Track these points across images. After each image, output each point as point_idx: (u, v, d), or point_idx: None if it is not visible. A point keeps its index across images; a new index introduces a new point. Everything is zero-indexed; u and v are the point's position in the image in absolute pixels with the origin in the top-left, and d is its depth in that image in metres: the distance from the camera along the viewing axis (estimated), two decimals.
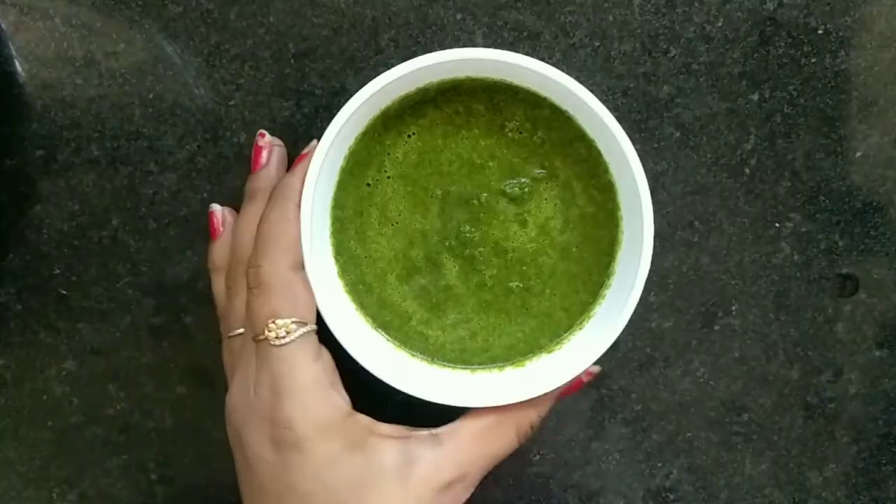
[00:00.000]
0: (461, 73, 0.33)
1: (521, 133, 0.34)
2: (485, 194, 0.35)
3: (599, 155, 0.33)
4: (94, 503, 0.41)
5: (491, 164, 0.35)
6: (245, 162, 0.38)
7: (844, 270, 0.40)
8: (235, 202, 0.37)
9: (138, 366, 0.40)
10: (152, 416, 0.40)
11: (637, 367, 0.41)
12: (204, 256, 0.39)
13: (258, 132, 0.36)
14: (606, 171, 0.33)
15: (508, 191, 0.35)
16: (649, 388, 0.41)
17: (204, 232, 0.38)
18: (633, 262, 0.32)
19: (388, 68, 0.38)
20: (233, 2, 0.37)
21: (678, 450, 0.41)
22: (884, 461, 0.42)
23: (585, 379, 0.35)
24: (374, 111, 0.33)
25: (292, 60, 0.38)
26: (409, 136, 0.34)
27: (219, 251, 0.36)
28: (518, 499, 0.42)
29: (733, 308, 0.40)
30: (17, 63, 0.38)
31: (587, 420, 0.41)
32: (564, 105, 0.33)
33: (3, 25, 0.37)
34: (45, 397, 0.40)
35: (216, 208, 0.36)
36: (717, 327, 0.40)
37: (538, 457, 0.41)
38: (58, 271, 0.39)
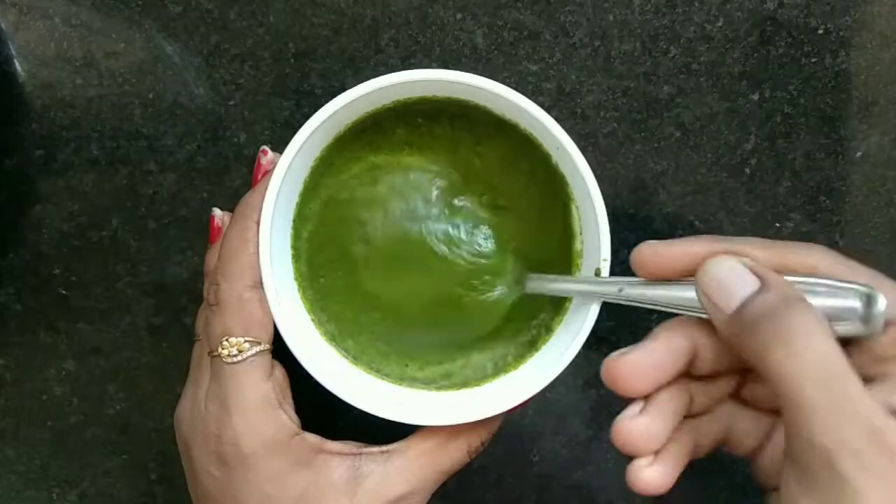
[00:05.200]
0: (429, 93, 0.32)
1: (486, 155, 0.34)
2: (452, 213, 0.35)
3: (562, 178, 0.33)
4: (93, 503, 0.41)
5: (457, 185, 0.34)
6: (245, 162, 0.38)
7: None
8: (235, 202, 0.37)
9: (138, 366, 0.40)
10: (152, 416, 0.40)
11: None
12: (203, 257, 0.39)
13: (261, 148, 0.35)
14: (569, 195, 0.33)
15: (475, 212, 0.35)
16: None
17: (204, 232, 0.38)
18: None
19: (389, 68, 0.38)
20: (233, 1, 0.37)
21: None
22: None
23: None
24: (340, 127, 0.33)
25: (292, 60, 0.38)
26: (376, 153, 0.34)
27: (212, 257, 0.36)
28: (518, 499, 0.42)
29: None
30: (16, 63, 0.38)
31: (587, 420, 0.41)
32: (530, 131, 0.33)
33: (3, 25, 0.37)
34: (44, 397, 0.40)
35: (217, 213, 0.36)
36: None
37: (538, 457, 0.41)
38: (57, 271, 0.39)
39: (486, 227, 0.35)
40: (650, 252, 0.29)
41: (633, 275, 0.30)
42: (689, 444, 0.29)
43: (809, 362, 0.24)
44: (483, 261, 0.35)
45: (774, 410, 0.30)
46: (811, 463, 0.23)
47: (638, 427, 0.28)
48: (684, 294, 0.28)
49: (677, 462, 0.29)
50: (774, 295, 0.26)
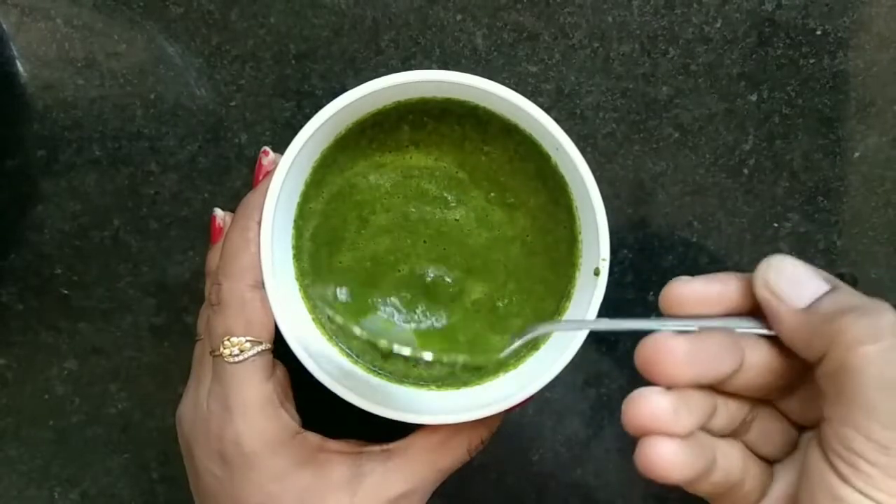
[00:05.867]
0: (429, 94, 0.32)
1: (489, 155, 0.34)
2: (454, 212, 0.35)
3: (562, 178, 0.33)
4: (95, 502, 0.41)
5: (461, 184, 0.35)
6: (246, 162, 0.39)
7: (843, 271, 0.40)
8: (236, 203, 0.37)
9: (139, 365, 0.40)
10: (153, 416, 0.40)
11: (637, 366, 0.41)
12: (204, 257, 0.39)
13: (262, 149, 0.35)
14: (569, 195, 0.33)
15: (476, 210, 0.35)
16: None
17: (205, 232, 0.38)
18: (589, 286, 0.33)
19: (389, 69, 0.38)
20: (234, 3, 0.37)
21: None
22: None
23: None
24: (340, 128, 0.33)
25: (293, 61, 0.38)
26: (376, 153, 0.34)
27: (213, 257, 0.36)
28: (518, 499, 0.42)
29: None
30: (18, 64, 0.38)
31: (587, 420, 0.41)
32: (531, 131, 0.33)
33: (5, 26, 0.37)
34: (46, 397, 0.40)
35: (218, 213, 0.36)
36: None
37: (538, 457, 0.41)
38: (59, 271, 0.39)
39: (493, 218, 0.35)
40: (692, 291, 0.27)
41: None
42: (707, 457, 0.27)
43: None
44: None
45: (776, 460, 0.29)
46: (867, 452, 0.23)
47: (663, 404, 0.25)
48: (728, 323, 0.27)
49: (698, 461, 0.26)
50: (853, 296, 0.25)
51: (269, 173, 0.32)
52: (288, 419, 0.32)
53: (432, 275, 0.35)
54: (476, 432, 0.34)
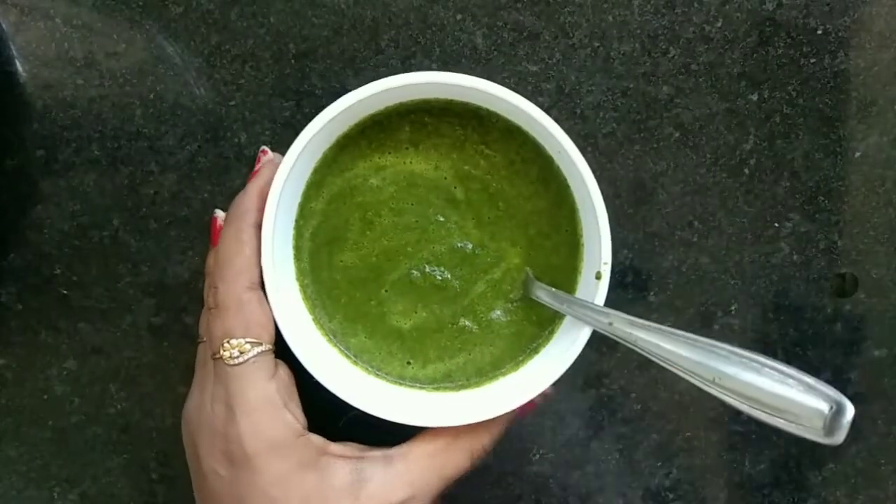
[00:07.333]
0: (431, 95, 0.32)
1: (490, 158, 0.34)
2: (454, 216, 0.35)
3: (564, 181, 0.33)
4: (94, 502, 0.41)
5: (461, 187, 0.35)
6: (246, 162, 0.38)
7: (843, 270, 0.40)
8: None
9: (139, 365, 0.40)
10: (153, 416, 0.40)
11: (636, 366, 0.41)
12: (204, 257, 0.39)
13: (261, 148, 0.35)
14: (571, 198, 0.33)
15: (475, 214, 0.35)
16: (649, 387, 0.41)
17: (204, 231, 0.38)
18: (591, 290, 0.33)
19: (389, 68, 0.38)
20: (234, 2, 0.37)
21: (678, 449, 0.41)
22: (882, 461, 0.42)
23: (539, 400, 0.34)
24: (342, 128, 0.33)
25: (293, 61, 0.38)
26: (375, 153, 0.34)
27: (214, 258, 0.36)
28: (518, 499, 0.42)
29: (732, 308, 0.40)
30: (17, 63, 0.38)
31: (587, 420, 0.41)
32: (532, 133, 0.33)
33: (4, 26, 0.37)
34: (45, 397, 0.40)
35: (219, 214, 0.36)
36: (716, 327, 0.41)
37: (538, 457, 0.41)
38: (59, 271, 0.39)
39: (495, 224, 0.35)
40: None
41: (625, 303, 0.28)
42: None
43: None
44: (485, 276, 0.35)
45: None
46: None
47: None
48: (667, 346, 0.27)
49: None
50: None
51: (257, 173, 0.32)
52: (292, 420, 0.32)
53: (434, 273, 0.35)
54: (477, 438, 0.33)
